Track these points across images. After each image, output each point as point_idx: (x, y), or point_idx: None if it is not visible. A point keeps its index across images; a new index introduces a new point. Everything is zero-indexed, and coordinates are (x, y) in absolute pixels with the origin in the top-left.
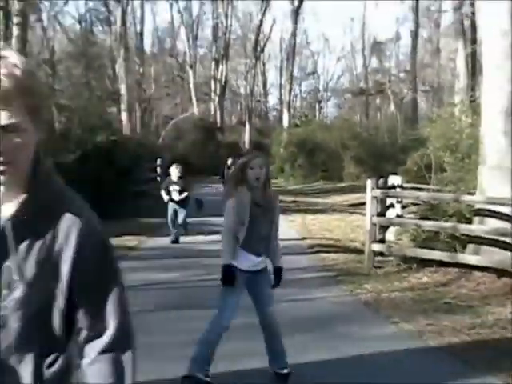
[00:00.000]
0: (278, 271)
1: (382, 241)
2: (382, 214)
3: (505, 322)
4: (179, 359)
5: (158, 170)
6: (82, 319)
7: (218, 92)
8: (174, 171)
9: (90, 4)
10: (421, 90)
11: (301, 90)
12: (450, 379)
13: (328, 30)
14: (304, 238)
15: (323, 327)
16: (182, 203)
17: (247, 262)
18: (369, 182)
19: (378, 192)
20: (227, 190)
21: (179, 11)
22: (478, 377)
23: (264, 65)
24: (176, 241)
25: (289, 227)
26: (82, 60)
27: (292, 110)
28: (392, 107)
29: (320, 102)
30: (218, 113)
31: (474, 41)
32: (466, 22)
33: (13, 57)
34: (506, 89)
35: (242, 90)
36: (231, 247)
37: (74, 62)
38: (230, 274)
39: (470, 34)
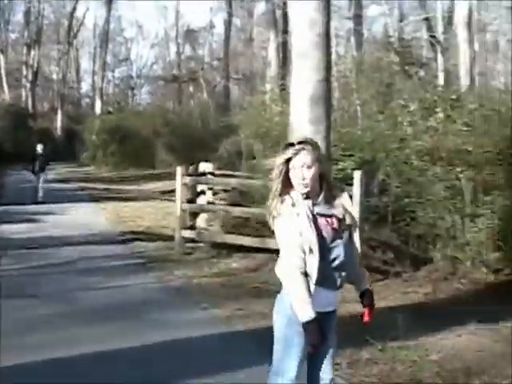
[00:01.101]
0: (369, 296)
1: (193, 227)
2: (192, 201)
3: None
4: None
5: None
6: None
7: (29, 78)
8: None
9: None
10: (233, 77)
11: (114, 77)
12: (256, 363)
13: (142, 18)
14: (115, 226)
15: (134, 314)
16: None
17: (324, 300)
18: (179, 169)
19: (187, 179)
20: (269, 208)
21: None
22: None
23: (77, 51)
24: None
25: (100, 215)
26: None
27: (105, 97)
28: (205, 95)
29: (133, 88)
30: (30, 99)
31: (285, 31)
32: (278, 12)
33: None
34: (313, 78)
35: (54, 76)
36: (306, 292)
37: None
38: (317, 332)
39: (281, 24)
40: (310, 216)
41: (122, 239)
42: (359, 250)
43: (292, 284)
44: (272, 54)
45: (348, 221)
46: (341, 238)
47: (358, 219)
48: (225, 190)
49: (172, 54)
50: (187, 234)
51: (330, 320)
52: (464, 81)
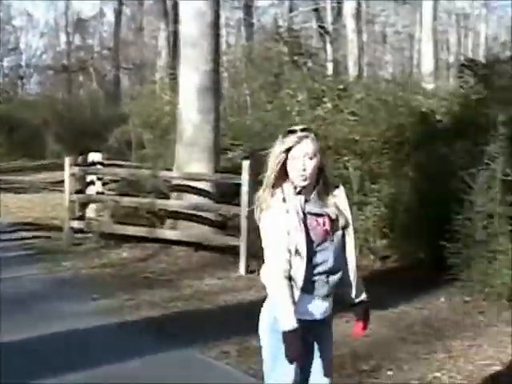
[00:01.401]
0: (364, 307)
1: (82, 218)
2: (81, 191)
3: (201, 294)
4: None
5: None
6: None
7: None
8: None
9: None
10: (123, 67)
11: (2, 66)
12: (149, 352)
13: (32, 6)
14: (3, 217)
15: (22, 306)
16: None
17: (309, 307)
18: (67, 160)
19: (76, 169)
20: (259, 198)
21: None
22: (175, 348)
23: None
24: None
25: None
26: None
27: None
28: (95, 84)
29: (22, 78)
30: None
31: (175, 20)
32: (169, 2)
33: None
34: (202, 68)
35: None
36: (289, 298)
37: None
38: (296, 344)
39: (172, 14)
40: (301, 214)
41: (10, 230)
42: (354, 253)
43: (275, 288)
44: (162, 43)
45: (341, 222)
46: (331, 240)
47: (350, 219)
48: (114, 180)
49: (62, 43)
50: (76, 224)
51: (319, 329)
52: (352, 71)
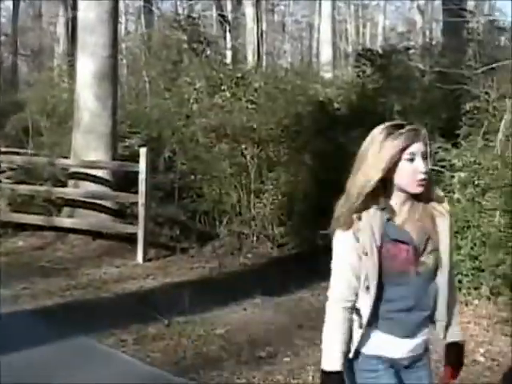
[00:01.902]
0: (458, 351)
1: None
2: None
3: (99, 282)
4: None
5: None
6: None
7: None
8: None
9: None
10: (21, 53)
11: None
12: (45, 341)
13: None
14: None
15: None
16: None
17: (384, 345)
18: None
19: None
20: (340, 214)
21: None
22: (72, 337)
23: None
24: None
25: None
26: None
27: None
28: None
29: None
30: None
31: (74, 6)
32: None
33: None
34: (100, 54)
35: None
36: (340, 335)
37: None
38: None
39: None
40: (378, 237)
41: None
42: (451, 285)
43: (327, 319)
44: (61, 29)
45: (437, 244)
46: (417, 271)
47: (449, 246)
48: (11, 168)
49: None
50: None
51: (406, 372)
52: (251, 60)
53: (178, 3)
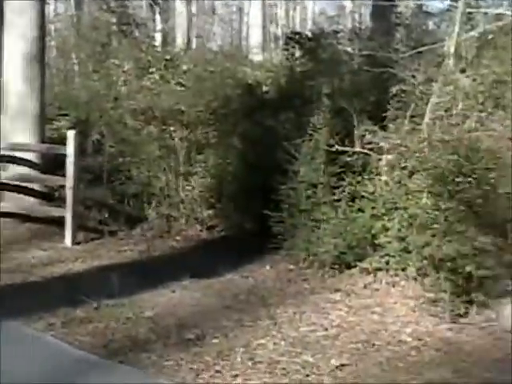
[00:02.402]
0: None
1: None
2: None
3: (27, 266)
4: None
5: None
6: None
7: None
8: None
9: None
10: None
11: None
12: None
13: None
14: None
15: None
16: None
17: None
18: None
19: None
20: None
21: None
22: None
23: None
24: None
25: None
26: None
27: None
28: None
29: None
30: None
31: None
32: None
33: None
34: (27, 35)
35: None
36: None
37: None
38: None
39: None
40: None
41: None
42: None
43: None
44: None
45: None
46: None
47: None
48: None
49: None
50: None
51: None
52: (180, 42)
53: None
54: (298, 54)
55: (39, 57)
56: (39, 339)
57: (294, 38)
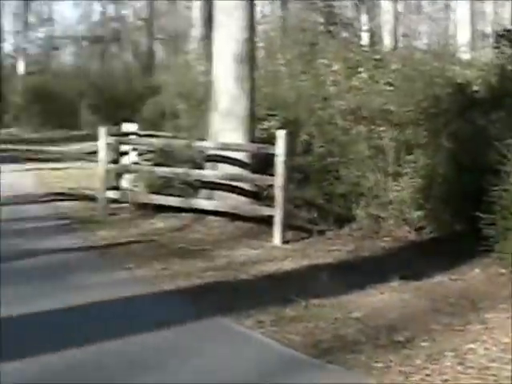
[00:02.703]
0: None
1: (117, 188)
2: (116, 161)
3: (236, 264)
4: None
5: None
6: None
7: None
8: None
9: None
10: (157, 37)
11: (37, 37)
12: (184, 320)
13: None
14: (39, 187)
15: (55, 277)
16: None
17: None
18: (102, 130)
19: (111, 139)
20: None
21: None
22: (209, 317)
23: None
24: None
25: (23, 176)
26: None
27: (28, 58)
28: (129, 55)
29: (57, 49)
30: None
31: None
32: None
33: None
34: (237, 37)
35: None
36: None
37: None
38: None
39: None
40: None
41: (45, 200)
42: None
43: None
44: (196, 13)
45: None
46: None
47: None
48: (149, 151)
49: (96, 13)
50: (111, 194)
51: None
52: (387, 41)
53: None
54: (509, 51)
55: (249, 58)
56: (248, 336)
57: (505, 36)
